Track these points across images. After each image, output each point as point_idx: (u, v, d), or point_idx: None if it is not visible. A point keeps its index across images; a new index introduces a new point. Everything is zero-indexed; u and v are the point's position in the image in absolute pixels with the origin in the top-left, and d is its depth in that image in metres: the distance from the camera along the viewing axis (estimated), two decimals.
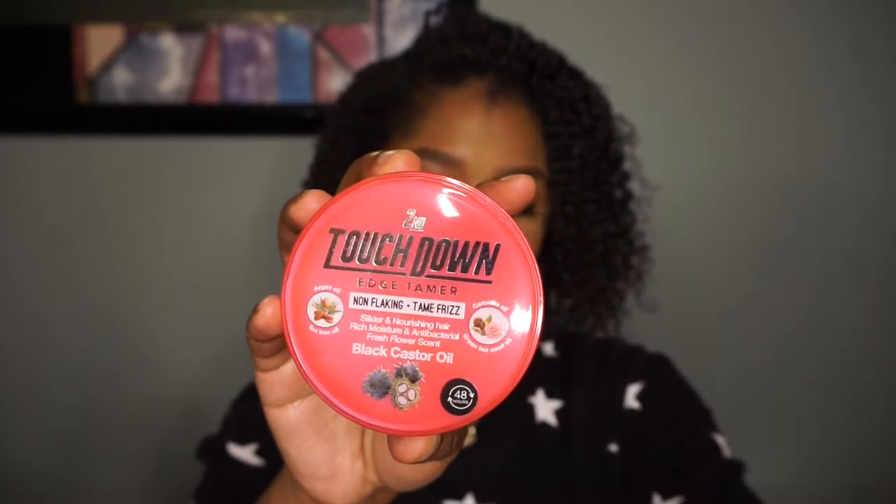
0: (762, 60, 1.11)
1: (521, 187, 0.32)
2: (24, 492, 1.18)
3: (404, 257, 0.32)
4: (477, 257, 0.32)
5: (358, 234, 0.32)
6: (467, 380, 0.32)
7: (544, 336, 0.79)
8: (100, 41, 1.10)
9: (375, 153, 0.32)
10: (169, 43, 1.10)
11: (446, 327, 0.32)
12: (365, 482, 0.40)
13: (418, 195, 0.32)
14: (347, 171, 0.34)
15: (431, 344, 0.32)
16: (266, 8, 1.10)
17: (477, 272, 0.32)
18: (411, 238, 0.32)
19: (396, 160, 0.32)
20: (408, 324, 0.32)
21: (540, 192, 0.67)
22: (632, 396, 0.71)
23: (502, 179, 0.32)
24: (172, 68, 1.11)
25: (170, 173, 1.14)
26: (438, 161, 0.63)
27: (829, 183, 1.12)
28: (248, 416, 0.75)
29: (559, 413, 0.72)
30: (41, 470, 1.18)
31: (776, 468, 1.17)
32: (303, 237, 0.32)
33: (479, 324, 0.32)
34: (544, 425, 0.71)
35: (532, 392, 0.73)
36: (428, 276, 0.32)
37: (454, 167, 0.63)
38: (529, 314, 0.32)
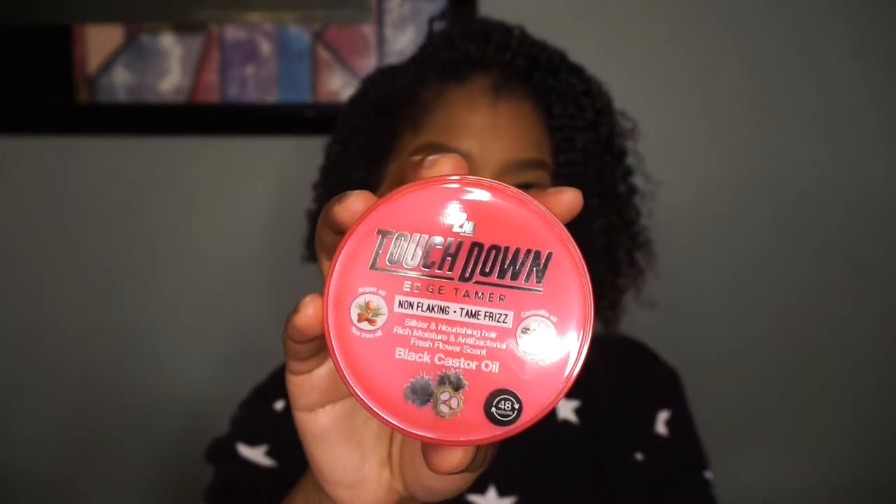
0: (765, 58, 1.12)
1: (570, 200, 0.31)
2: (26, 494, 1.18)
3: (452, 262, 0.31)
4: (528, 265, 0.31)
5: (405, 237, 0.31)
6: (513, 390, 0.31)
7: None
8: (100, 41, 1.10)
9: (419, 156, 0.32)
10: (169, 43, 1.10)
11: (493, 335, 0.31)
12: (391, 491, 0.39)
13: (469, 199, 0.31)
14: (389, 175, 0.33)
15: (477, 352, 0.31)
16: (266, 8, 1.10)
17: (527, 280, 0.31)
18: (461, 243, 0.31)
19: (444, 164, 0.31)
20: (453, 330, 0.31)
21: (546, 182, 0.68)
22: (661, 423, 0.75)
23: (550, 190, 0.32)
24: (172, 68, 1.11)
25: (170, 173, 1.14)
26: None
27: (832, 180, 1.13)
28: (257, 417, 0.75)
29: (579, 412, 0.74)
30: (44, 472, 1.18)
31: (774, 467, 1.18)
32: (348, 237, 0.31)
33: (527, 332, 0.31)
34: (566, 423, 0.73)
35: None
36: (476, 283, 0.31)
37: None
38: (579, 325, 0.31)
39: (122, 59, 1.10)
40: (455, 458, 0.31)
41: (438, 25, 0.79)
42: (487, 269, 0.31)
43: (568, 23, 1.06)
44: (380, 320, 0.31)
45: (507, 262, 0.31)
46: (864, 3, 1.11)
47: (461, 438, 0.31)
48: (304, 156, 1.12)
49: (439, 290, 0.31)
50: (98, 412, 1.16)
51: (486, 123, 0.66)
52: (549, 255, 0.31)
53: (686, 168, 1.11)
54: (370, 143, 0.72)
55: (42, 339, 1.16)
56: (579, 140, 0.70)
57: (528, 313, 0.31)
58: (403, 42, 1.10)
